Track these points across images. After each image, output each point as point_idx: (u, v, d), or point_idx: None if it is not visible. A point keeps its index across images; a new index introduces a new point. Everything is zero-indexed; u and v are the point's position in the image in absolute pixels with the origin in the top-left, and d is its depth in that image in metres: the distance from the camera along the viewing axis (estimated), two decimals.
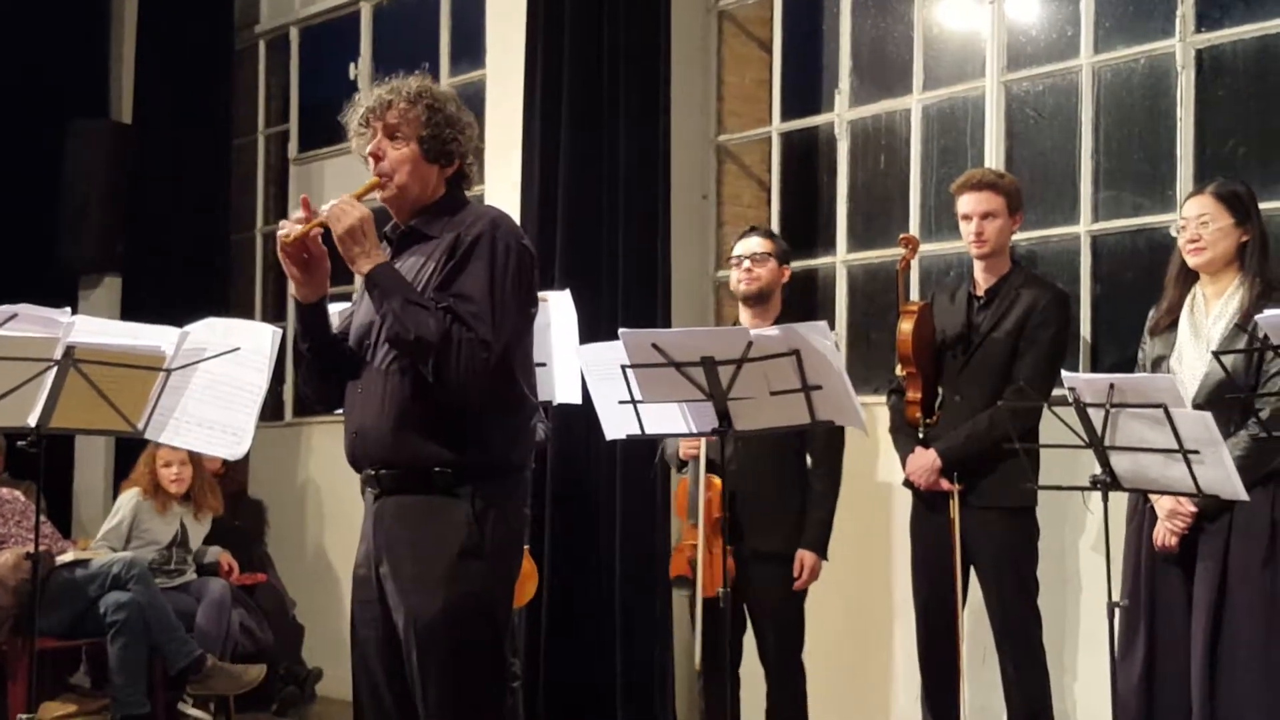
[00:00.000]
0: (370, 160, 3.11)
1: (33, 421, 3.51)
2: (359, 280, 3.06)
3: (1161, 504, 3.77)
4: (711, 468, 4.38)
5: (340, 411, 3.22)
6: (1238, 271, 3.82)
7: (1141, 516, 3.89)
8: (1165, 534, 3.78)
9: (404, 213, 3.15)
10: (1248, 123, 4.58)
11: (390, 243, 3.15)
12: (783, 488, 4.39)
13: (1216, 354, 3.53)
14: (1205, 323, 3.82)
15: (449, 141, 3.11)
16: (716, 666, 4.37)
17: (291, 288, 3.12)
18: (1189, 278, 3.90)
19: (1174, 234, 4.03)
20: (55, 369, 3.44)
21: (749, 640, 4.50)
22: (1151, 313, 4.00)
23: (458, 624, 2.99)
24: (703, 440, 4.31)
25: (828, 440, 4.35)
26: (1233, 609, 3.68)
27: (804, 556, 4.37)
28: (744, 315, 4.51)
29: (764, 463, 4.27)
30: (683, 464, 4.50)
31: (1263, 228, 3.85)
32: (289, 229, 3.01)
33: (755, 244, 4.48)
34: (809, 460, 4.42)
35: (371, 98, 3.12)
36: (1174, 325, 3.89)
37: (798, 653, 4.51)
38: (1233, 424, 3.67)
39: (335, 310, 3.29)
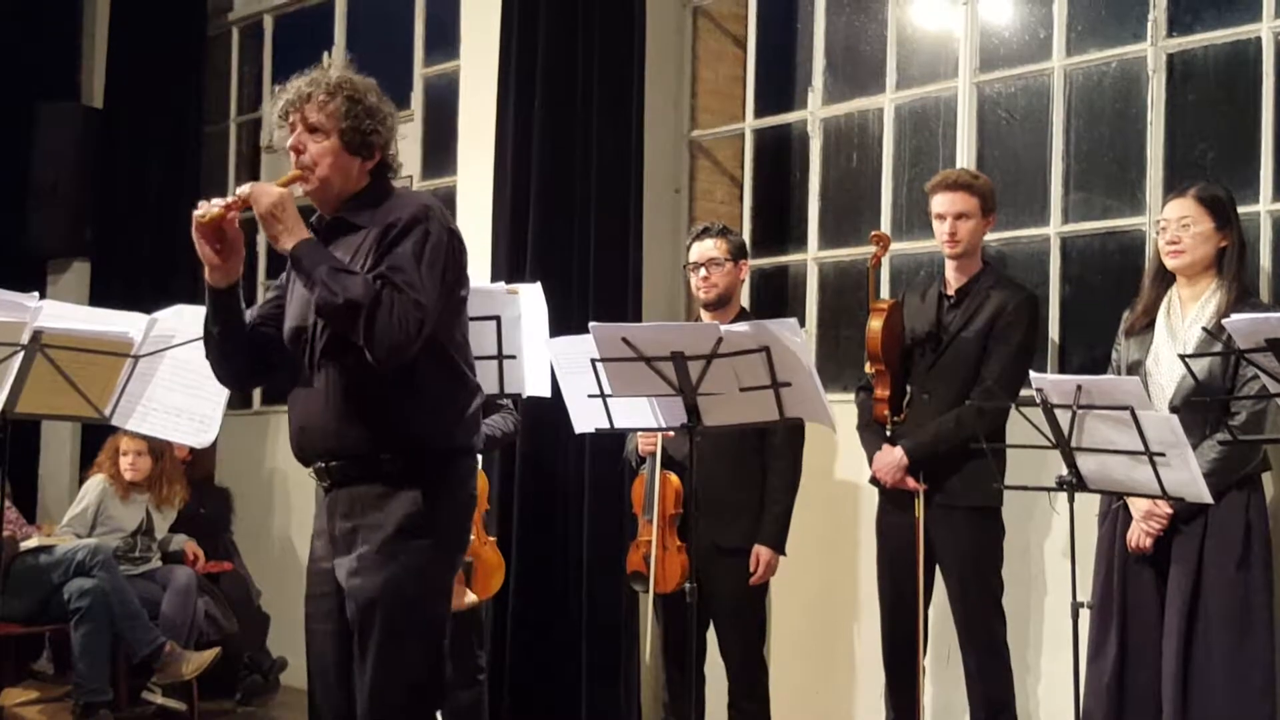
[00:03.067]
0: (292, 154, 3.11)
1: None
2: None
3: (1138, 505, 3.78)
4: (669, 464, 4.40)
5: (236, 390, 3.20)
6: (1215, 276, 3.83)
7: (1114, 517, 3.91)
8: (1140, 535, 3.80)
9: (328, 205, 3.16)
10: (1217, 127, 4.62)
11: (316, 233, 3.13)
12: (742, 482, 4.40)
13: (1184, 358, 3.56)
14: (1181, 326, 3.83)
15: (369, 133, 3.11)
16: (681, 662, 4.39)
17: (206, 271, 3.10)
18: (1166, 279, 3.92)
19: (1154, 234, 4.04)
20: (22, 353, 3.42)
21: (712, 635, 4.52)
22: (1126, 314, 4.02)
23: (398, 600, 3.01)
24: (659, 436, 4.33)
25: (787, 435, 4.36)
26: (1206, 611, 3.70)
27: (760, 551, 4.38)
28: (705, 317, 4.53)
29: (723, 457, 4.28)
30: (641, 460, 4.51)
31: (1241, 233, 3.87)
32: (205, 209, 3.00)
33: (709, 248, 4.48)
34: (768, 455, 4.43)
35: (290, 90, 3.12)
36: (1149, 327, 3.90)
37: (759, 647, 4.53)
38: (1209, 427, 3.70)
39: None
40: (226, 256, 3.06)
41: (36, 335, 3.43)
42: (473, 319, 3.34)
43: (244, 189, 3.00)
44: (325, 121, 3.07)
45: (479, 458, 3.26)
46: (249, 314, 3.21)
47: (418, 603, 3.04)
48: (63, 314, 3.59)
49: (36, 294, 3.52)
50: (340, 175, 3.10)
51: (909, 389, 4.37)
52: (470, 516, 3.24)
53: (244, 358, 3.19)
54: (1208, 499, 3.37)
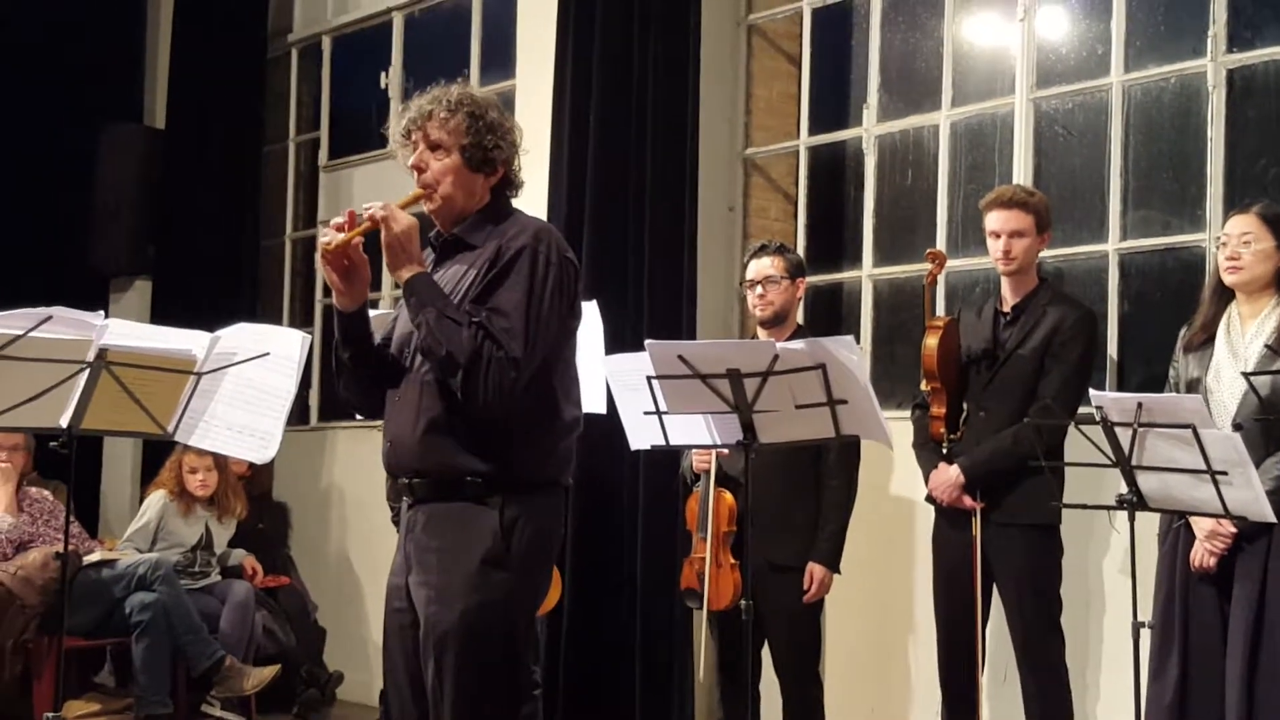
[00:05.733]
0: (414, 172, 3.09)
1: (64, 422, 3.53)
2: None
3: (1201, 524, 3.75)
4: (725, 481, 4.39)
5: (372, 419, 3.20)
6: (1275, 293, 3.81)
7: (1175, 536, 3.87)
8: (1204, 554, 3.76)
9: (449, 222, 3.12)
10: (1278, 143, 4.57)
11: (434, 249, 3.14)
12: (797, 499, 4.39)
13: (1247, 375, 3.52)
14: (1242, 342, 3.81)
15: (491, 149, 3.07)
16: (735, 679, 4.38)
17: (333, 296, 3.09)
18: (1225, 295, 3.89)
19: (1214, 249, 4.01)
20: (88, 371, 3.47)
21: (766, 653, 4.51)
22: (1183, 331, 3.99)
23: (473, 635, 2.94)
24: (713, 454, 4.33)
25: (842, 452, 4.35)
26: (1272, 630, 3.65)
27: (814, 569, 4.37)
28: (761, 334, 4.52)
29: (778, 474, 4.27)
30: (696, 477, 4.51)
31: None
32: (331, 237, 2.99)
33: (766, 266, 4.48)
34: (823, 472, 4.41)
35: (413, 108, 3.09)
36: (1208, 343, 3.87)
37: (813, 665, 4.51)
38: (1272, 444, 3.66)
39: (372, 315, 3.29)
40: (352, 281, 3.04)
41: (102, 353, 3.47)
42: None
43: (374, 209, 2.98)
44: (447, 138, 3.04)
45: (567, 492, 3.18)
46: (379, 335, 3.18)
47: (495, 637, 2.97)
48: (127, 332, 3.62)
49: (102, 312, 3.57)
50: (463, 193, 3.07)
51: (965, 406, 4.34)
52: (554, 549, 3.16)
53: (379, 383, 3.13)
54: (1271, 518, 3.33)
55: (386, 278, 6.55)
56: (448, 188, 3.06)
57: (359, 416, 3.51)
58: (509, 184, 3.16)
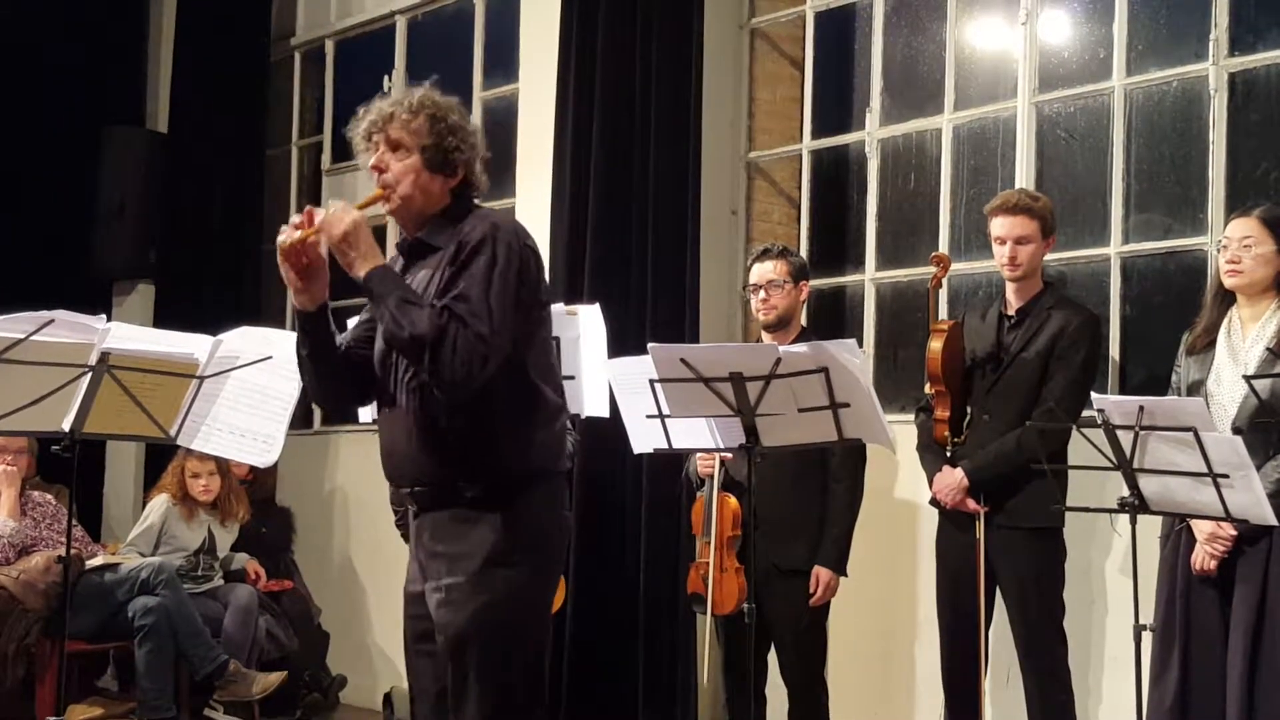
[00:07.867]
0: (374, 173, 3.10)
1: (67, 426, 3.55)
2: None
3: (1201, 527, 3.75)
4: (731, 485, 4.39)
5: (362, 420, 3.21)
6: (1275, 296, 3.81)
7: (1177, 539, 3.87)
8: (1204, 557, 3.77)
9: (410, 225, 3.14)
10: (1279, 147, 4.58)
11: (401, 254, 3.16)
12: (802, 503, 4.39)
13: (1249, 378, 3.52)
14: (1242, 346, 3.81)
15: (451, 151, 3.08)
16: (740, 682, 4.38)
17: (292, 295, 3.08)
18: (1227, 298, 3.90)
19: (1215, 251, 4.01)
20: (90, 375, 3.48)
21: (772, 657, 4.51)
22: (1186, 335, 4.00)
23: (486, 634, 2.96)
24: (717, 458, 4.33)
25: (847, 456, 4.35)
26: (1272, 633, 3.65)
27: (820, 573, 4.37)
28: (765, 338, 4.53)
29: (784, 478, 4.27)
30: (700, 482, 4.51)
31: None
32: (286, 235, 3.00)
33: (769, 270, 4.48)
34: (829, 476, 4.42)
35: (374, 110, 3.11)
36: (1210, 346, 3.88)
37: (819, 669, 4.51)
38: (1272, 448, 3.67)
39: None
40: (310, 280, 3.04)
41: (104, 357, 3.49)
42: None
43: (320, 216, 2.99)
44: (408, 139, 3.06)
45: (563, 479, 3.19)
46: (343, 337, 3.19)
47: (508, 634, 2.99)
48: (130, 336, 3.64)
49: (104, 316, 3.58)
50: (421, 193, 3.08)
51: (969, 410, 4.34)
52: (561, 540, 3.18)
53: (339, 381, 3.15)
54: (1272, 520, 3.33)
55: None
56: (407, 188, 3.07)
57: (362, 419, 3.51)
58: (470, 186, 3.16)
